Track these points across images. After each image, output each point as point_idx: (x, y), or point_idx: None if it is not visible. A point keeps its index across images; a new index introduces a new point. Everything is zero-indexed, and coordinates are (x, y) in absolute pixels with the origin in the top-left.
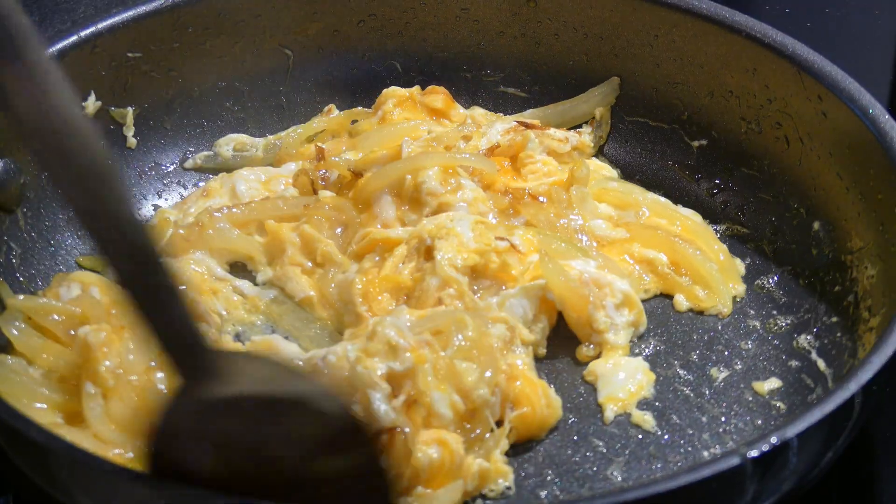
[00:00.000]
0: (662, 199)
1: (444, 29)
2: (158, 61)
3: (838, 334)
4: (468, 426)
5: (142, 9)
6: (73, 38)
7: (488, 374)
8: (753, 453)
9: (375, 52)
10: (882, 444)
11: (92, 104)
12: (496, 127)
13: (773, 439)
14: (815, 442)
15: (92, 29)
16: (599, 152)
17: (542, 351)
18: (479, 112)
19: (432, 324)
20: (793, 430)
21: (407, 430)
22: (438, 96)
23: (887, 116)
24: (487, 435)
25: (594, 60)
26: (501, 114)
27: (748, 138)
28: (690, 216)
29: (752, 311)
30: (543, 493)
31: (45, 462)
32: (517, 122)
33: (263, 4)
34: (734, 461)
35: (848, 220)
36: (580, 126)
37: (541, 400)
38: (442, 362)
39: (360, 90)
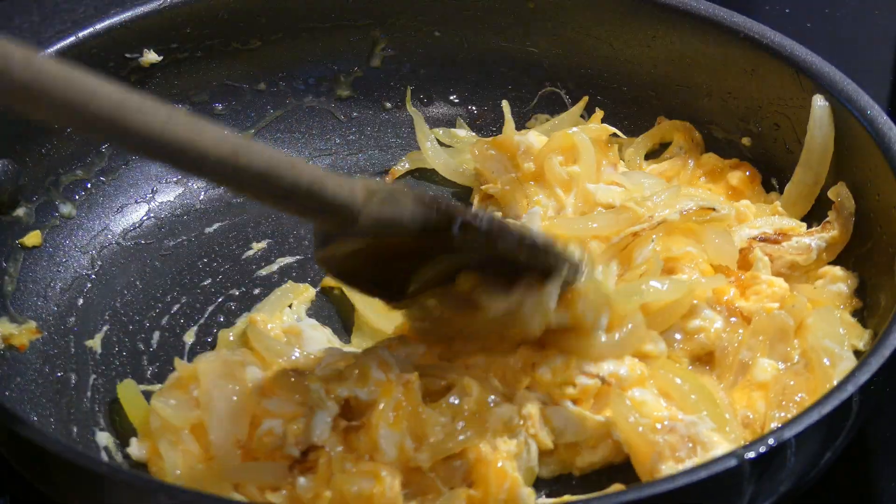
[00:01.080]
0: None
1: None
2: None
3: None
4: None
5: (140, 10)
6: (72, 39)
7: (461, 437)
8: (751, 454)
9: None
10: (881, 445)
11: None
12: (741, 233)
13: (771, 440)
14: (814, 443)
15: (90, 30)
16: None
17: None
18: (743, 203)
19: (438, 371)
20: (790, 432)
21: (337, 450)
22: (739, 173)
23: (885, 117)
24: (445, 492)
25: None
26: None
27: (746, 139)
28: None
29: None
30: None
31: (41, 464)
32: (761, 235)
33: (262, 5)
34: (732, 462)
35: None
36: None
37: (501, 494)
38: (407, 403)
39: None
